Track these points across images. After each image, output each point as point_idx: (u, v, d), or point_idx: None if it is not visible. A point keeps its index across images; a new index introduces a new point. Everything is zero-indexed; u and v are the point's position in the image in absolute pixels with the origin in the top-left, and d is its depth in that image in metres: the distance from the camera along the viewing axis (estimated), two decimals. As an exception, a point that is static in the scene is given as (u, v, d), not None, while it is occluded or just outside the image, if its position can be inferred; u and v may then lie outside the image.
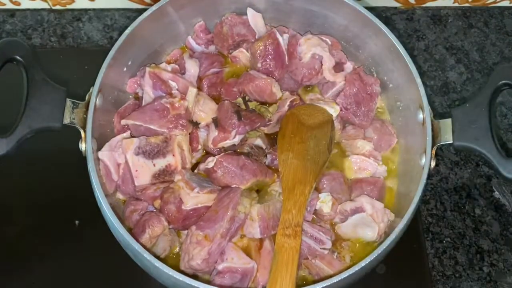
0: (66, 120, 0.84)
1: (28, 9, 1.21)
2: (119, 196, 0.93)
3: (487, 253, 1.04)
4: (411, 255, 1.04)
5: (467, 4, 1.25)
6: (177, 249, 0.91)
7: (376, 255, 0.79)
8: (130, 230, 0.87)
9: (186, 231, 0.89)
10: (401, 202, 0.92)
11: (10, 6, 1.20)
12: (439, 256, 1.04)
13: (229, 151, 0.92)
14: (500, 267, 1.03)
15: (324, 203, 0.91)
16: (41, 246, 1.01)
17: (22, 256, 1.00)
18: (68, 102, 0.85)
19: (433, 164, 0.86)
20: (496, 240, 1.05)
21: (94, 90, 0.86)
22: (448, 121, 0.85)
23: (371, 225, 0.89)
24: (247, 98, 0.99)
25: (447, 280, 1.02)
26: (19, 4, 1.20)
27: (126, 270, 0.94)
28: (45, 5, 1.21)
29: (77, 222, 1.03)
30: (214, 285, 0.79)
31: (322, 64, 0.98)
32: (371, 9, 0.96)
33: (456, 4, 1.25)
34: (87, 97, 0.87)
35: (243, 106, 0.98)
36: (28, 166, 1.06)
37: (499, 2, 1.24)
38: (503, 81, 0.83)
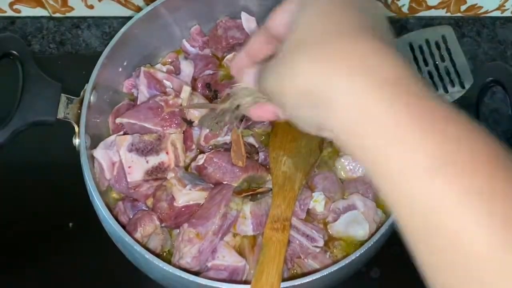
0: (61, 115, 0.85)
1: (28, 17, 1.24)
2: (114, 195, 0.93)
3: (482, 257, 1.03)
4: (405, 259, 1.02)
5: (459, 14, 1.27)
6: (168, 249, 0.90)
7: (366, 248, 0.79)
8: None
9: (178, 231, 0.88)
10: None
11: (10, 13, 1.23)
12: (434, 261, 1.03)
13: (220, 149, 0.93)
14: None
15: (318, 202, 0.91)
16: (35, 249, 1.00)
17: (15, 258, 1.00)
18: (63, 97, 0.86)
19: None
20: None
21: (89, 86, 0.88)
22: (438, 117, 0.86)
23: (363, 223, 0.89)
24: None
25: (442, 285, 1.01)
26: (19, 11, 1.22)
27: (121, 271, 0.94)
28: (45, 13, 1.23)
29: (70, 224, 1.03)
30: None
31: (314, 65, 0.99)
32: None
33: (449, 14, 1.27)
34: (81, 93, 0.88)
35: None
36: (20, 168, 1.07)
37: (490, 12, 1.26)
38: (491, 78, 0.84)
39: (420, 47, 1.19)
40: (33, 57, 0.87)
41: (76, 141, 0.86)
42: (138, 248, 0.78)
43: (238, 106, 0.95)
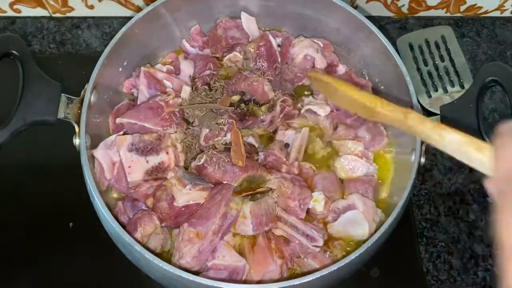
0: (61, 115, 0.85)
1: (29, 17, 1.24)
2: (114, 195, 0.93)
3: (482, 258, 1.04)
4: (405, 259, 1.04)
5: (459, 14, 1.27)
6: (168, 249, 0.90)
7: (366, 248, 0.79)
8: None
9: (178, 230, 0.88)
10: (393, 206, 0.92)
11: (11, 13, 1.23)
12: (434, 261, 1.03)
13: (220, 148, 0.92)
14: (495, 272, 1.02)
15: (317, 202, 0.91)
16: (36, 249, 1.01)
17: (16, 259, 1.00)
18: (63, 97, 0.86)
19: (423, 160, 0.86)
20: (490, 245, 1.05)
21: (89, 86, 0.88)
22: (437, 118, 0.86)
23: (362, 223, 0.89)
24: (244, 98, 1.00)
25: (442, 285, 1.01)
26: (19, 11, 1.22)
27: (121, 271, 0.94)
28: (45, 13, 1.24)
29: (70, 224, 1.03)
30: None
31: (314, 65, 0.99)
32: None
33: (448, 14, 1.27)
34: (82, 93, 0.88)
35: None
36: (20, 169, 1.07)
37: (490, 12, 1.26)
38: (490, 78, 0.84)
39: (420, 47, 1.20)
40: (33, 57, 0.87)
41: (76, 141, 0.86)
42: (138, 248, 0.78)
43: (241, 102, 0.95)
